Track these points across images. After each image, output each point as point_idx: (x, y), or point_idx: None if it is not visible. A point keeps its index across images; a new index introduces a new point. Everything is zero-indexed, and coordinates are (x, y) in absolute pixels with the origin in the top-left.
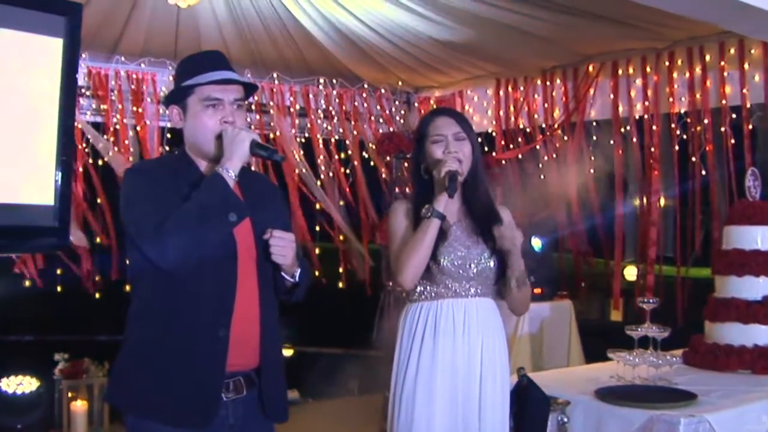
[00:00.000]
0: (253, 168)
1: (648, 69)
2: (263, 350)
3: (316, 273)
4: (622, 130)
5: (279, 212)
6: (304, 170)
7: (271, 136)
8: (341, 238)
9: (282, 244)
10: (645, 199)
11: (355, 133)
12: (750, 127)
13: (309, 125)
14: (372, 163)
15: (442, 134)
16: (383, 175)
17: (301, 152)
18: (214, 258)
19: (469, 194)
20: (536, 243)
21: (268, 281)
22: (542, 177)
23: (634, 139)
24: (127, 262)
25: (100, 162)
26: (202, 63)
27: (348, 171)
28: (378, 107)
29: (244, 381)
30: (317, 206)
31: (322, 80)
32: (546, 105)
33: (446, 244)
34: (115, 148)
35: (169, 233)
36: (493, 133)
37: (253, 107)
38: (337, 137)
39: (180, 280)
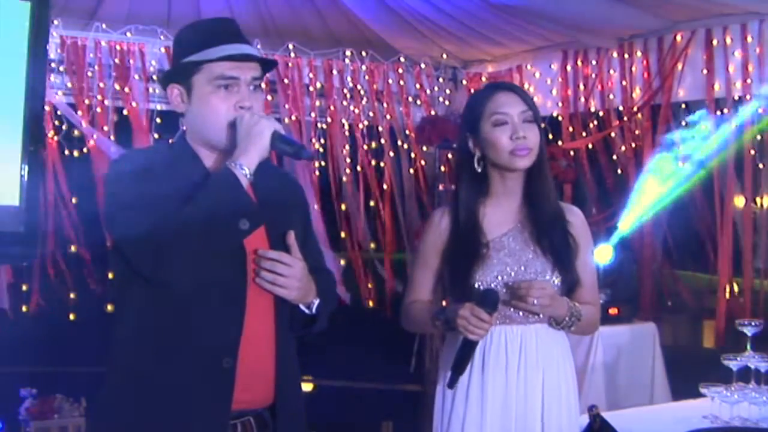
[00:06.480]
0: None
1: (749, 39)
2: (279, 384)
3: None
4: (719, 113)
5: (299, 217)
6: (323, 163)
7: (285, 120)
8: (372, 246)
9: (282, 271)
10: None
11: (388, 117)
12: None
13: (331, 108)
14: (412, 155)
15: (506, 113)
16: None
17: (322, 141)
18: (218, 271)
19: (533, 192)
20: (602, 254)
21: (287, 300)
22: (619, 171)
23: (733, 125)
24: (110, 276)
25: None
26: (213, 34)
27: (380, 164)
28: (417, 86)
29: (255, 422)
30: (342, 208)
31: (348, 52)
32: (624, 83)
33: (488, 265)
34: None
35: (168, 242)
36: (559, 118)
37: (262, 85)
38: (366, 122)
39: (175, 298)
